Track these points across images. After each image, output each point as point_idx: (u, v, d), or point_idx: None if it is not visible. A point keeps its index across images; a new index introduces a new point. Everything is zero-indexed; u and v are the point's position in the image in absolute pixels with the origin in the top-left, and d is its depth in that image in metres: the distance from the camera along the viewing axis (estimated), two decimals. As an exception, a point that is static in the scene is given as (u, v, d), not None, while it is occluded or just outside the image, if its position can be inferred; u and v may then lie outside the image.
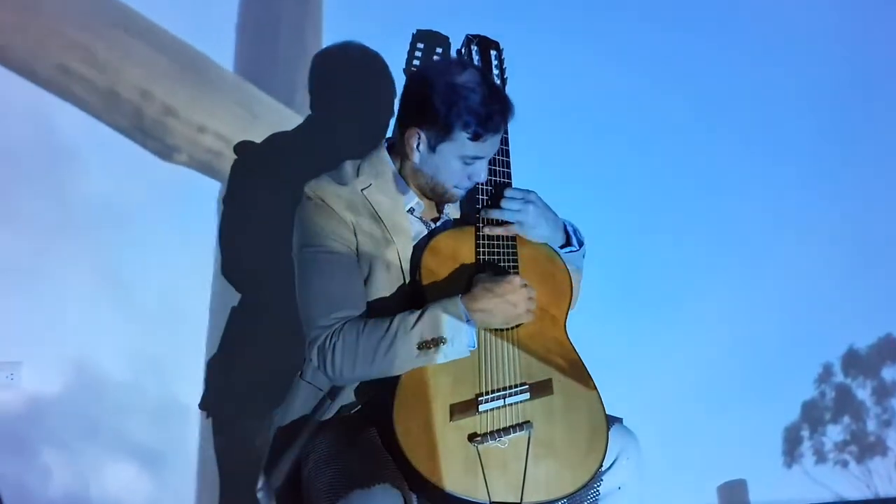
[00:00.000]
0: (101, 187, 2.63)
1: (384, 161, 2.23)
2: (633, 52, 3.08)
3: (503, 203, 2.20)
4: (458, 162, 2.13)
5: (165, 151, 2.69)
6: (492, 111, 2.11)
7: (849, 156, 3.38)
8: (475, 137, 2.10)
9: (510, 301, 2.08)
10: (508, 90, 2.31)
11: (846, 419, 3.50)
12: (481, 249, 2.16)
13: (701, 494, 3.37)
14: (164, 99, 2.68)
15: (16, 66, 2.55)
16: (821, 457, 3.48)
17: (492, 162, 2.23)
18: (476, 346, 2.07)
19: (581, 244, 2.36)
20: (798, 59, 3.28)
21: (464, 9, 2.81)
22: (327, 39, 2.82)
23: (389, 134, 2.74)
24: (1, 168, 2.55)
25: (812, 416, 3.47)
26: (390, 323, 2.03)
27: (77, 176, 2.61)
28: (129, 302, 2.67)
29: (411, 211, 2.22)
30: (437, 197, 2.24)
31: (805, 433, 3.46)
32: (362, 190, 2.17)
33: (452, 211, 2.32)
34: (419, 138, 2.13)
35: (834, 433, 3.49)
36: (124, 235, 2.66)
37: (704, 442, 3.27)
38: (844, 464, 3.50)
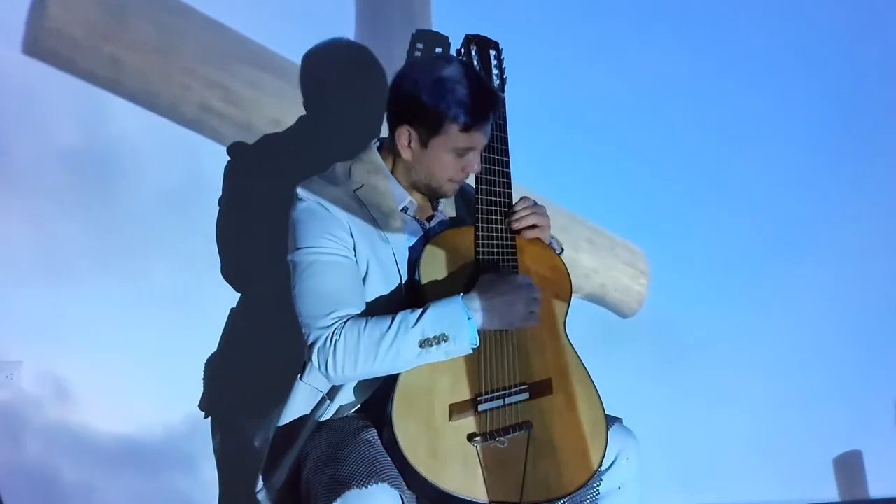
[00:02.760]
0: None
1: (375, 161, 2.21)
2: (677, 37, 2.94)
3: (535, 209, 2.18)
4: (451, 155, 2.11)
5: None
6: (480, 101, 2.08)
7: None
8: (465, 129, 2.07)
9: (511, 301, 2.03)
10: (508, 90, 2.27)
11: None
12: (481, 250, 2.12)
13: (818, 468, 3.19)
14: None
15: (162, 110, 2.68)
16: (935, 422, 3.17)
17: (491, 162, 2.18)
18: (479, 343, 2.01)
19: (562, 251, 2.32)
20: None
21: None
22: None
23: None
24: (159, 207, 2.67)
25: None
26: (392, 321, 1.99)
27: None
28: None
29: (405, 210, 2.20)
30: (432, 192, 2.21)
31: (918, 400, 3.17)
32: (355, 191, 2.15)
33: (448, 209, 2.30)
34: (410, 135, 2.12)
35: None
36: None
37: (818, 415, 3.09)
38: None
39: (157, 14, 2.65)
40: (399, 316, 2.00)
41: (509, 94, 2.30)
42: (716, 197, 3.00)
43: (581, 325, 2.90)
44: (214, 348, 2.71)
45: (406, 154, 2.14)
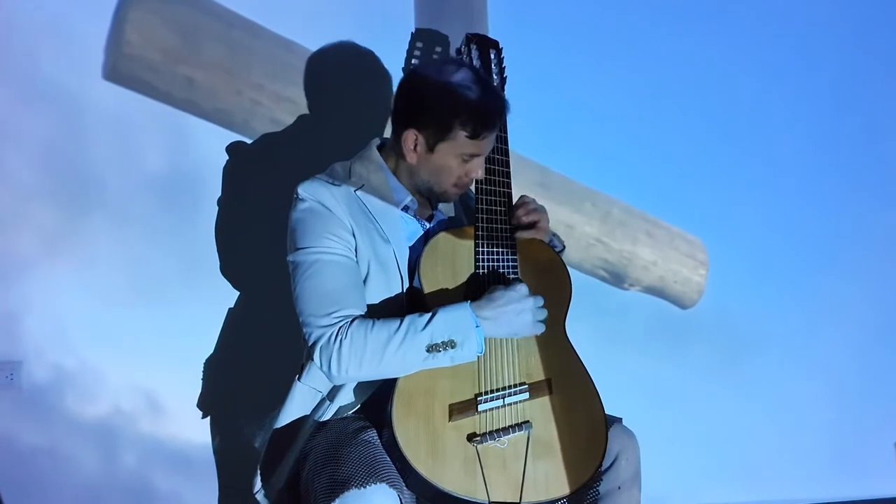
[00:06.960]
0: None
1: (376, 161, 2.12)
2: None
3: (537, 206, 2.08)
4: (456, 160, 2.01)
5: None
6: (489, 109, 1.97)
7: None
8: (473, 135, 1.97)
9: (519, 310, 1.92)
10: (507, 89, 2.14)
11: None
12: (481, 250, 2.01)
13: (878, 451, 2.98)
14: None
15: (235, 127, 2.67)
16: None
17: (491, 161, 2.07)
18: (484, 351, 1.92)
19: (564, 247, 2.18)
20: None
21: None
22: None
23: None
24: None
25: None
26: (400, 323, 1.90)
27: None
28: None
29: (406, 209, 2.10)
30: (433, 197, 2.12)
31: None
32: (356, 191, 2.07)
33: (447, 209, 2.19)
34: (416, 139, 2.02)
35: None
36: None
37: (878, 398, 2.93)
38: None
39: (228, 34, 2.66)
40: (407, 319, 1.91)
41: (516, 93, 2.16)
42: (773, 185, 2.85)
43: (640, 317, 2.80)
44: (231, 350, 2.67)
45: (411, 158, 2.04)
